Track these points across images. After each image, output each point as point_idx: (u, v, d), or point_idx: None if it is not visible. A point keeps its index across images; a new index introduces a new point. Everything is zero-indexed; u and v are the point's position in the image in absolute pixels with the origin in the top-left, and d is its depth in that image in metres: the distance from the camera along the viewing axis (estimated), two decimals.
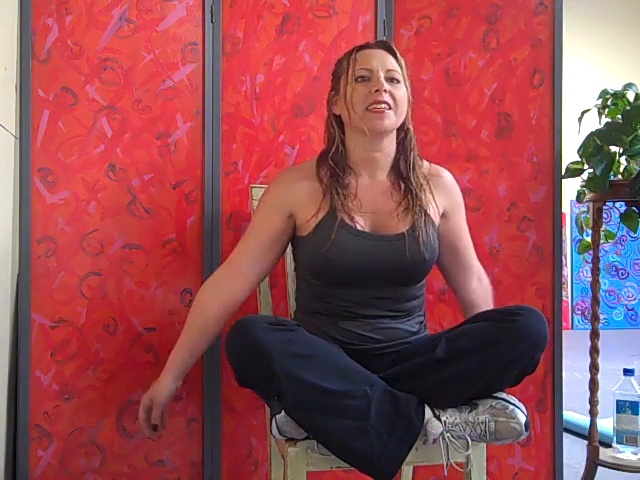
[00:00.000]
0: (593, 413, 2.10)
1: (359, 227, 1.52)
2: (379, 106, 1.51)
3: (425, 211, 1.56)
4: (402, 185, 1.57)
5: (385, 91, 1.51)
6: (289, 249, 1.68)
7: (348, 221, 1.51)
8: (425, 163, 1.64)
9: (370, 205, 1.55)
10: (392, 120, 1.53)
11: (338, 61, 1.62)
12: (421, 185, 1.58)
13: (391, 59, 1.56)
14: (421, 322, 1.60)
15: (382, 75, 1.52)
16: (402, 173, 1.58)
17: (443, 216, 1.62)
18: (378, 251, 1.50)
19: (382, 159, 1.58)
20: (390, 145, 1.58)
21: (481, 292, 1.70)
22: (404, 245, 1.50)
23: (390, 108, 1.52)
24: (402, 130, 1.59)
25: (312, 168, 1.59)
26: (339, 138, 1.59)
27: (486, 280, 1.73)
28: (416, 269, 1.54)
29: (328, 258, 1.49)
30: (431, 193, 1.59)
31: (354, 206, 1.53)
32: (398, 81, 1.55)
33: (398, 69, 1.56)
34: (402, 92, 1.55)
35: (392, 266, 1.51)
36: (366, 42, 1.62)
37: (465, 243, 1.69)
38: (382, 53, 1.56)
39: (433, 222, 1.57)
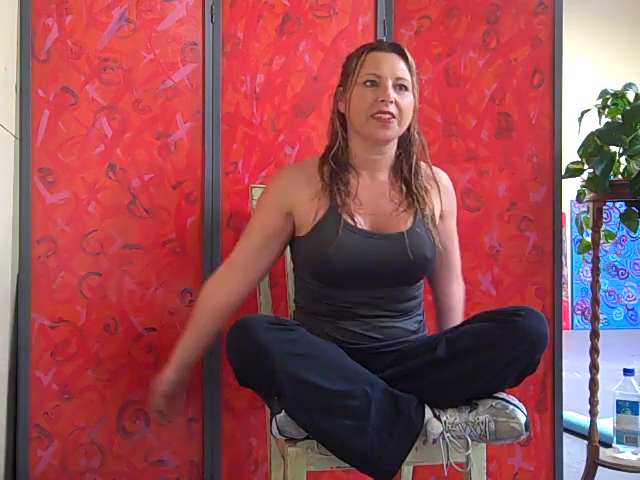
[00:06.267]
0: (593, 413, 2.09)
1: (359, 226, 1.52)
2: (384, 116, 1.50)
3: (425, 211, 1.56)
4: (403, 186, 1.58)
5: (391, 102, 1.49)
6: (288, 249, 1.68)
7: (349, 219, 1.51)
8: (422, 164, 1.63)
9: (370, 204, 1.55)
10: (395, 130, 1.53)
11: (349, 57, 1.59)
12: (423, 186, 1.59)
13: (402, 65, 1.53)
14: (420, 321, 1.61)
15: (390, 83, 1.50)
16: (404, 175, 1.59)
17: (440, 217, 1.64)
18: (378, 250, 1.50)
19: (383, 161, 1.59)
20: (391, 149, 1.59)
21: (459, 297, 1.74)
22: (404, 244, 1.50)
23: (394, 117, 1.51)
24: (406, 135, 1.58)
25: (313, 166, 1.59)
26: (341, 136, 1.58)
27: (463, 286, 1.76)
28: (417, 268, 1.54)
29: (329, 256, 1.49)
30: (430, 194, 1.60)
31: (354, 205, 1.53)
32: (406, 88, 1.53)
33: (408, 76, 1.53)
34: (408, 100, 1.53)
35: (393, 265, 1.51)
36: (379, 41, 1.60)
37: (455, 245, 1.71)
38: (394, 57, 1.53)
39: (434, 222, 1.58)
